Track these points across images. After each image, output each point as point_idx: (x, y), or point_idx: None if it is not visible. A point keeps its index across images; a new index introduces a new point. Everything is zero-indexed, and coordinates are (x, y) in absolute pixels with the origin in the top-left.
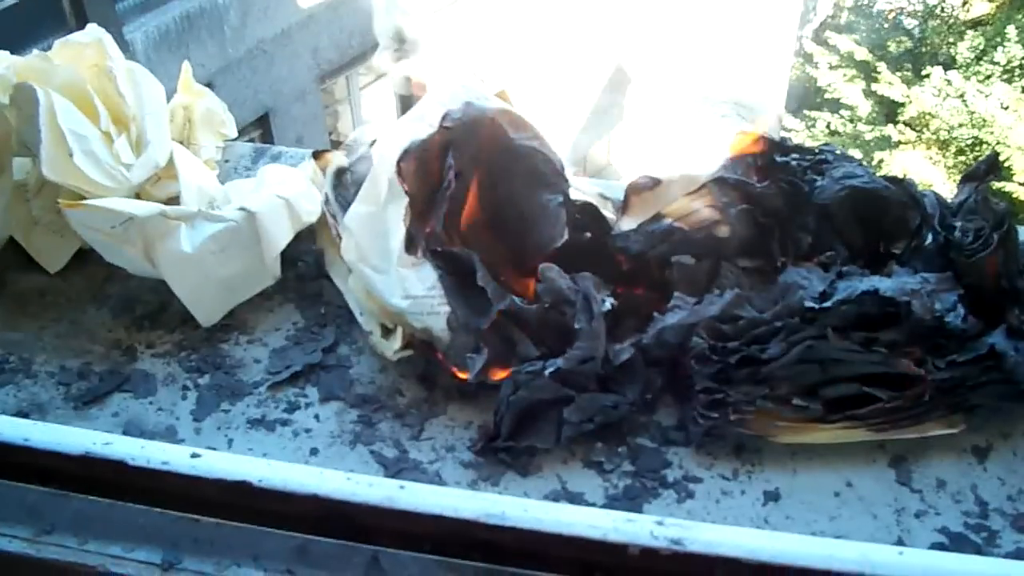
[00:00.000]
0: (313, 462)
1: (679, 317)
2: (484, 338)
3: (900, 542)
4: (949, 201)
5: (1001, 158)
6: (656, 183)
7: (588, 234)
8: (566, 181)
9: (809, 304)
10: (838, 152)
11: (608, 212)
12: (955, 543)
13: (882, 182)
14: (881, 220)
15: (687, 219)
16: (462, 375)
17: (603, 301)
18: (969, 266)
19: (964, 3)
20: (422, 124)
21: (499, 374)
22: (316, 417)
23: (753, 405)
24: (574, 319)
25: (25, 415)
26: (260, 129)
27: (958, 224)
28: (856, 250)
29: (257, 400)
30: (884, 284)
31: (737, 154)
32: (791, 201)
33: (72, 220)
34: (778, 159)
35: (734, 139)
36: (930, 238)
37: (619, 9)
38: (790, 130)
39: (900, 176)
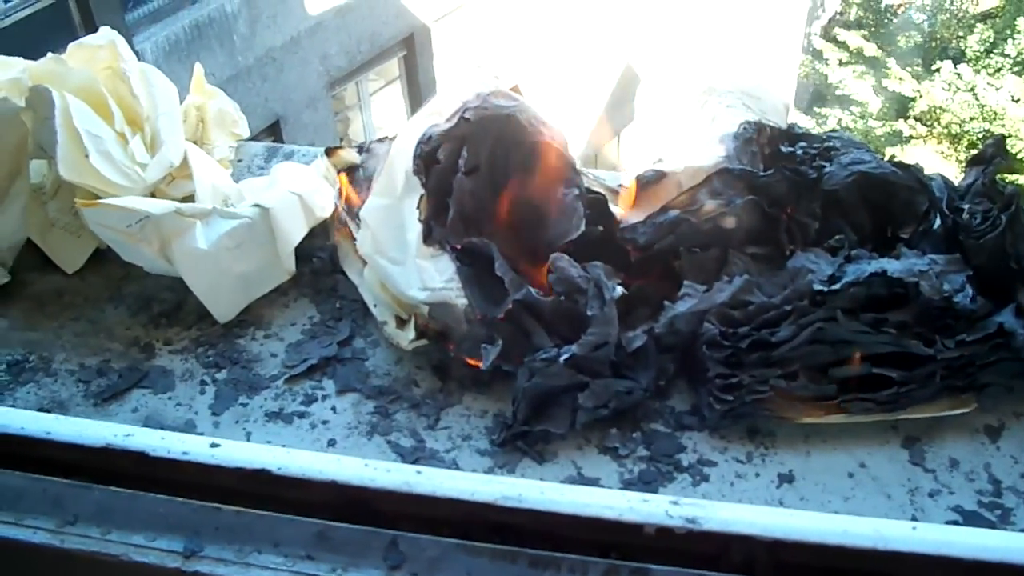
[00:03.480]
0: (331, 453)
1: (690, 305)
2: (498, 328)
3: (914, 521)
4: (956, 184)
5: (1013, 150)
6: (662, 176)
7: (600, 227)
8: (580, 175)
9: (818, 287)
10: (846, 138)
11: (616, 207)
12: (969, 521)
13: (890, 167)
14: (889, 205)
15: (693, 211)
16: (475, 364)
17: (613, 288)
18: (978, 248)
19: None
20: (439, 118)
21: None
22: (333, 409)
23: (766, 387)
24: (586, 307)
25: (46, 412)
26: (271, 136)
27: (966, 207)
28: (864, 235)
29: (274, 393)
30: (892, 266)
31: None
32: (796, 189)
33: (88, 219)
34: (784, 149)
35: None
36: (938, 221)
37: (628, 7)
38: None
39: (907, 162)
